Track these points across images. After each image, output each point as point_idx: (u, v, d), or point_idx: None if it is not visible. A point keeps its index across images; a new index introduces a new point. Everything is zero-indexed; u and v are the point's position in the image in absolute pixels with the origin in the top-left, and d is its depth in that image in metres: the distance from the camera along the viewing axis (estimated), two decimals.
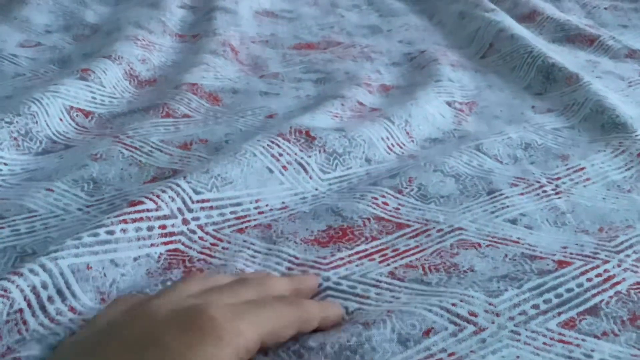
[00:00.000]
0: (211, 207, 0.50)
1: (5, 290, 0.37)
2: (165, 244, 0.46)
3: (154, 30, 0.93)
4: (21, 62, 0.83)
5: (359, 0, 1.21)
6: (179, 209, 0.49)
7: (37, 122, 0.63)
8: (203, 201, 0.50)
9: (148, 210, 0.47)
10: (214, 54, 0.86)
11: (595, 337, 0.38)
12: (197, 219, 0.49)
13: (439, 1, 1.16)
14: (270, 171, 0.55)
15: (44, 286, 0.39)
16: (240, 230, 0.49)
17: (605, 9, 1.16)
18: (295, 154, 0.57)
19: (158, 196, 0.48)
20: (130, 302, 0.37)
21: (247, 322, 0.32)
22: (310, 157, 0.58)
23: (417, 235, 0.50)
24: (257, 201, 0.52)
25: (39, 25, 0.97)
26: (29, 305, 0.38)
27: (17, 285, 0.38)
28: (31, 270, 0.39)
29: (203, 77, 0.78)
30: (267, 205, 0.53)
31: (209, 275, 0.41)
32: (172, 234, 0.47)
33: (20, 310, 0.37)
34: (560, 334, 0.38)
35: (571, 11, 1.16)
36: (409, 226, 0.51)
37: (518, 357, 0.37)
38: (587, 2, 1.19)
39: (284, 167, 0.56)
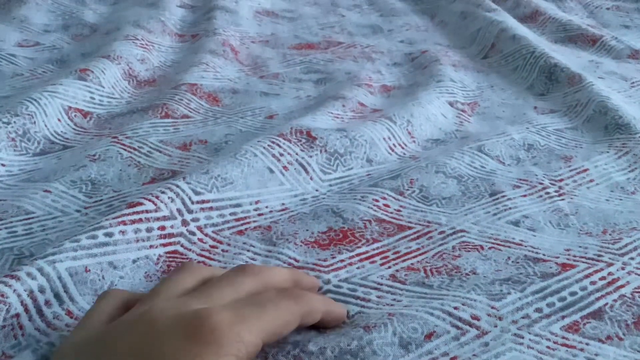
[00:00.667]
0: (211, 208, 0.50)
1: (2, 295, 0.37)
2: (164, 245, 0.46)
3: (153, 30, 0.93)
4: (19, 61, 0.83)
5: None
6: (179, 210, 0.48)
7: (35, 122, 0.62)
8: (203, 202, 0.50)
9: (147, 212, 0.46)
10: (213, 54, 0.85)
11: (600, 341, 0.38)
12: (196, 220, 0.49)
13: (440, 1, 1.16)
14: (271, 171, 0.55)
15: (42, 290, 0.39)
16: (240, 232, 0.49)
17: (608, 9, 1.16)
18: (297, 154, 0.57)
19: (157, 197, 0.48)
20: (121, 297, 0.36)
21: (249, 326, 0.32)
22: (311, 157, 0.57)
23: (418, 237, 0.49)
24: (256, 202, 0.52)
25: (37, 25, 0.96)
26: (26, 310, 0.37)
27: (15, 290, 0.37)
28: (29, 274, 0.39)
29: (202, 77, 0.77)
30: (266, 207, 0.52)
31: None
32: (171, 235, 0.47)
33: (17, 315, 0.37)
34: (563, 337, 0.38)
35: (573, 11, 1.15)
36: (410, 228, 0.50)
37: None
38: (589, 2, 1.18)
39: (284, 167, 0.56)
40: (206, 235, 0.48)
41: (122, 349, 0.30)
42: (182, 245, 0.46)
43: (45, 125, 0.63)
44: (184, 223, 0.48)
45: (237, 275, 0.36)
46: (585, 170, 0.60)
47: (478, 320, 0.39)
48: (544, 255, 0.46)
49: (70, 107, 0.67)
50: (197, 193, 0.50)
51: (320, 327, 0.38)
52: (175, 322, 0.31)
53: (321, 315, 0.37)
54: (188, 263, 0.39)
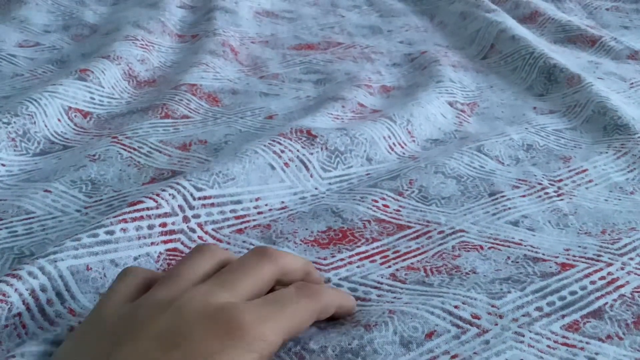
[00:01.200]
0: (212, 204, 0.50)
1: (4, 295, 0.37)
2: (165, 242, 0.46)
3: (153, 31, 0.93)
4: (19, 62, 0.83)
5: (360, 0, 1.20)
6: (180, 206, 0.48)
7: (35, 122, 0.62)
8: (205, 198, 0.50)
9: (148, 209, 0.46)
10: (213, 54, 0.85)
11: (600, 340, 0.38)
12: (197, 216, 0.49)
13: (439, 1, 1.16)
14: (273, 168, 0.55)
15: (43, 289, 0.39)
16: (240, 231, 0.49)
17: (607, 9, 1.16)
18: (298, 150, 0.57)
19: (158, 194, 0.48)
20: (142, 275, 0.36)
21: (272, 326, 0.32)
22: (312, 154, 0.57)
23: (418, 237, 0.49)
24: (257, 199, 0.52)
25: (37, 25, 0.96)
26: (28, 309, 0.37)
27: (16, 289, 0.37)
28: (30, 273, 0.39)
29: (202, 78, 0.78)
30: (266, 205, 0.52)
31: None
32: (172, 232, 0.47)
33: (19, 314, 0.37)
34: (564, 336, 0.38)
35: (572, 12, 1.16)
36: (409, 227, 0.50)
37: (522, 359, 0.36)
38: (588, 2, 1.19)
39: (285, 164, 0.56)
40: (206, 233, 0.48)
41: (148, 331, 0.31)
42: (182, 243, 0.47)
43: (46, 126, 0.63)
44: (185, 219, 0.48)
45: (257, 262, 0.37)
46: (584, 170, 0.60)
47: (478, 319, 0.39)
48: (543, 254, 0.47)
49: (70, 108, 0.67)
50: (198, 189, 0.50)
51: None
52: (203, 313, 0.32)
53: (334, 310, 0.38)
54: (204, 245, 0.39)
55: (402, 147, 0.64)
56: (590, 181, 0.58)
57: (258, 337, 0.31)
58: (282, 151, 0.56)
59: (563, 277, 0.43)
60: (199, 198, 0.49)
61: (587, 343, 0.38)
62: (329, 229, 0.49)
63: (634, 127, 0.66)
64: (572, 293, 0.42)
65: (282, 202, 0.53)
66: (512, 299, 0.41)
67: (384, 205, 0.53)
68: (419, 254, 0.47)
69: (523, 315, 0.39)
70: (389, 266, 0.45)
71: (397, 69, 0.88)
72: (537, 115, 0.73)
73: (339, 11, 1.14)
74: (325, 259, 0.46)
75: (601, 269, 0.44)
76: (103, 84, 0.73)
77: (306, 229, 0.49)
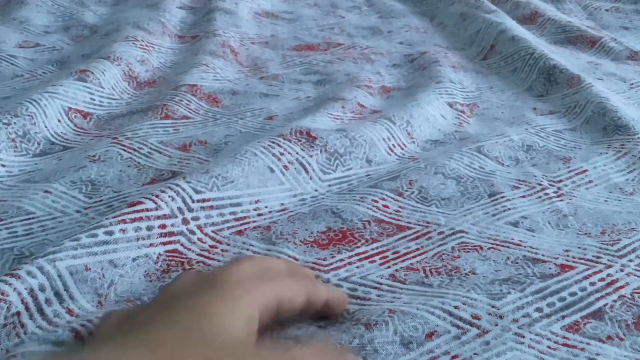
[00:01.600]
0: (211, 207, 0.50)
1: (2, 294, 0.37)
2: (164, 244, 0.46)
3: (153, 31, 0.93)
4: (19, 63, 0.83)
5: (359, 1, 1.20)
6: (179, 208, 0.48)
7: (35, 123, 0.62)
8: (204, 200, 0.50)
9: (147, 210, 0.46)
10: (213, 55, 0.85)
11: (600, 340, 0.38)
12: (196, 218, 0.49)
13: (439, 2, 1.16)
14: (272, 170, 0.55)
15: (42, 289, 0.39)
16: (239, 232, 0.49)
17: (607, 10, 1.16)
18: (297, 153, 0.57)
19: (157, 196, 0.48)
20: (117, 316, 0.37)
21: (263, 289, 0.34)
22: (311, 156, 0.57)
23: (417, 237, 0.49)
24: (256, 202, 0.52)
25: (37, 26, 0.96)
26: (27, 308, 0.38)
27: (15, 288, 0.38)
28: (29, 273, 0.39)
29: (202, 79, 0.78)
30: (266, 207, 0.52)
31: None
32: (171, 233, 0.47)
33: (18, 314, 0.37)
34: (564, 337, 0.38)
35: (572, 13, 1.16)
36: (409, 228, 0.50)
37: None
38: (588, 3, 1.19)
39: (285, 166, 0.56)
40: (206, 234, 0.48)
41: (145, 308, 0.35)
42: (181, 245, 0.47)
43: (46, 126, 0.63)
44: (185, 222, 0.48)
45: (240, 262, 0.38)
46: (584, 171, 0.60)
47: (479, 319, 0.39)
48: (543, 255, 0.47)
49: (70, 108, 0.67)
50: (197, 192, 0.50)
51: (323, 315, 0.39)
52: (196, 279, 0.35)
53: (326, 299, 0.38)
54: (189, 272, 0.41)
55: (402, 149, 0.64)
56: (590, 182, 0.58)
57: (250, 294, 0.33)
58: (282, 154, 0.56)
59: (562, 278, 0.43)
60: (198, 201, 0.49)
61: (587, 344, 0.38)
62: (328, 229, 0.49)
63: (633, 128, 0.66)
64: (572, 294, 0.42)
65: (282, 204, 0.53)
66: (512, 300, 0.41)
67: (384, 206, 0.53)
68: (419, 255, 0.47)
69: (523, 316, 0.39)
70: (389, 267, 0.45)
71: (397, 70, 0.88)
72: (536, 116, 0.73)
73: (338, 12, 1.14)
74: (324, 259, 0.46)
75: (600, 271, 0.44)
76: (103, 84, 0.73)
77: (306, 230, 0.49)
